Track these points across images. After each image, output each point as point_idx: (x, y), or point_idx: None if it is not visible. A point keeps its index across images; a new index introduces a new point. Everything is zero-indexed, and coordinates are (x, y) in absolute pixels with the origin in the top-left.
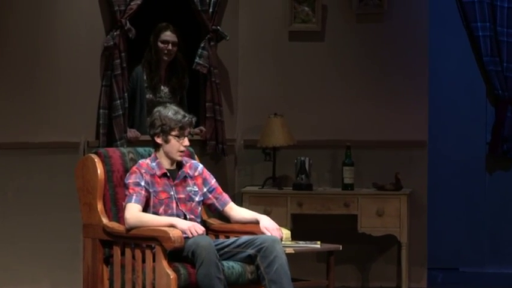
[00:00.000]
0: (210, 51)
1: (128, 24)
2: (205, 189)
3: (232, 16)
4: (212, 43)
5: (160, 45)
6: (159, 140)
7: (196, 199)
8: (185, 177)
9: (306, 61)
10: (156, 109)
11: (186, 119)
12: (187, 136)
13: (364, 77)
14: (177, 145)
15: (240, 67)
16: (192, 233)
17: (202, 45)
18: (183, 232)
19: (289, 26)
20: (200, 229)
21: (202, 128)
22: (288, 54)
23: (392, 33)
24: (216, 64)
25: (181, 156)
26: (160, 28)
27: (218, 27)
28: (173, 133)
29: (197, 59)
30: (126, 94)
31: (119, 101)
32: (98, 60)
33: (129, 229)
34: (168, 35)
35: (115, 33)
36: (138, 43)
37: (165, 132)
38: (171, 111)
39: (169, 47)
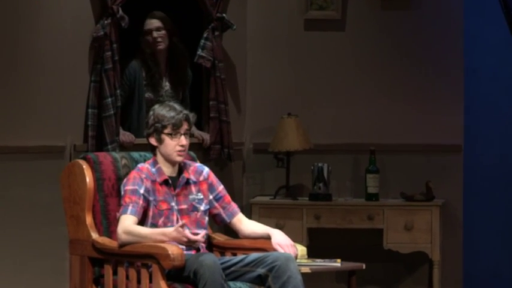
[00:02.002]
0: (214, 43)
1: (120, 11)
2: (211, 197)
3: (239, 2)
4: (217, 33)
5: (146, 37)
6: (152, 141)
7: (202, 208)
8: (187, 183)
9: (323, 53)
10: (152, 107)
11: (181, 115)
12: (185, 134)
13: (390, 72)
14: (172, 144)
15: (248, 60)
16: (184, 240)
17: (205, 35)
18: (180, 244)
19: (304, 13)
20: (195, 237)
21: (202, 134)
22: (303, 46)
23: (422, 22)
24: (221, 57)
25: (180, 155)
26: (145, 21)
27: (223, 15)
28: (166, 131)
29: (199, 51)
30: (118, 91)
31: (110, 99)
32: (86, 52)
33: (122, 245)
34: (149, 23)
35: (106, 22)
36: (132, 33)
37: (158, 131)
38: (165, 108)
39: (154, 34)
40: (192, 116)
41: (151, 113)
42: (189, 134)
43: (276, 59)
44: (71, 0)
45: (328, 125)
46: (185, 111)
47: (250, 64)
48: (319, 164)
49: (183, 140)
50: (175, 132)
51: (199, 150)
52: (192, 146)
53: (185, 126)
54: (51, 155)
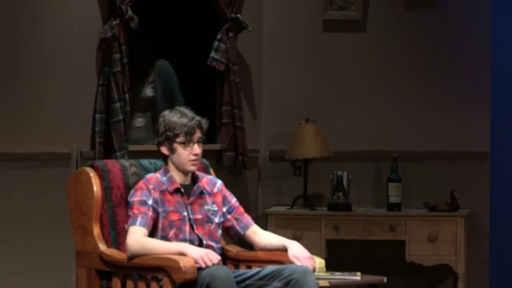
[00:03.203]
0: (228, 44)
1: (129, 11)
2: (224, 209)
3: (255, 2)
4: (231, 34)
5: None
6: (164, 150)
7: (216, 220)
8: (202, 193)
9: (343, 56)
10: (162, 113)
11: (193, 121)
12: (198, 142)
13: (413, 76)
14: (185, 154)
15: (264, 63)
16: (205, 263)
17: (219, 37)
18: (195, 262)
19: (323, 13)
20: (215, 258)
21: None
22: (322, 48)
23: (447, 23)
24: (235, 60)
25: (194, 164)
26: None
27: (238, 15)
28: (178, 140)
29: (213, 54)
30: (127, 95)
31: (118, 104)
32: (94, 54)
33: (131, 257)
34: None
35: (114, 23)
36: (141, 34)
37: (170, 140)
38: (176, 115)
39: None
40: (205, 122)
41: (161, 119)
42: (202, 141)
43: (293, 61)
44: (77, 0)
45: (348, 131)
46: (197, 117)
47: (266, 67)
48: (339, 172)
49: (197, 149)
50: (188, 140)
51: (211, 157)
52: (204, 153)
53: (198, 133)
54: (56, 163)
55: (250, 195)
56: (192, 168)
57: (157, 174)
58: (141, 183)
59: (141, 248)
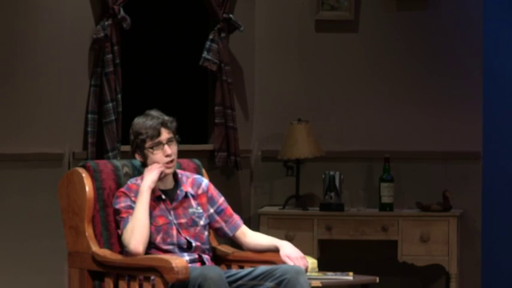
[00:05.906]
0: (220, 45)
1: (121, 12)
2: (211, 210)
3: (247, 2)
4: (223, 34)
5: None
6: (138, 158)
7: (201, 223)
8: (186, 196)
9: (335, 56)
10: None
11: (156, 122)
12: (168, 142)
13: (405, 76)
14: (158, 157)
15: (256, 63)
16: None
17: (211, 37)
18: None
19: (316, 14)
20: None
21: None
22: (314, 48)
23: (439, 24)
24: (227, 60)
25: (169, 167)
26: None
27: (230, 16)
28: (147, 145)
29: (205, 54)
30: (119, 96)
31: (110, 104)
32: (86, 55)
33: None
34: None
35: (106, 23)
36: (134, 34)
37: (140, 147)
38: (142, 119)
39: None
40: (171, 121)
41: (131, 127)
42: (176, 140)
43: (285, 62)
44: (70, 0)
45: (340, 132)
46: (161, 117)
47: (258, 67)
48: (331, 173)
49: (168, 149)
50: (156, 144)
51: (204, 158)
52: (197, 153)
53: (165, 134)
54: (48, 163)
55: (243, 195)
56: (169, 171)
57: (139, 181)
58: (122, 191)
59: (132, 236)
